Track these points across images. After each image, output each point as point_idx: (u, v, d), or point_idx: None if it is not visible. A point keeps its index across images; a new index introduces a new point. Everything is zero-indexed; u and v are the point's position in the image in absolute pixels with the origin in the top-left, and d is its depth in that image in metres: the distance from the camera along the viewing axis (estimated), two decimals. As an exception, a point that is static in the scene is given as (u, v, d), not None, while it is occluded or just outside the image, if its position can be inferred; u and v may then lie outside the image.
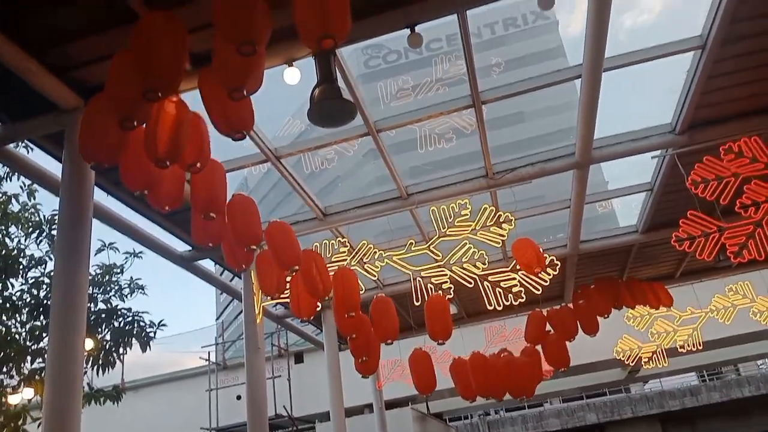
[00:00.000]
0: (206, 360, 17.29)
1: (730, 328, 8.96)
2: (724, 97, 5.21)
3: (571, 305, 7.37)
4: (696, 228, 5.28)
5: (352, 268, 5.58)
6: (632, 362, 9.43)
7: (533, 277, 5.95)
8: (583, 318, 7.12)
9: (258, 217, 3.94)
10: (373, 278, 6.75)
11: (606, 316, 7.18)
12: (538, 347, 7.07)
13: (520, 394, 6.85)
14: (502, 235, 5.67)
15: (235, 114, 2.96)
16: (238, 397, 15.48)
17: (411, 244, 5.96)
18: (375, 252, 5.90)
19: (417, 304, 6.08)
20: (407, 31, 3.65)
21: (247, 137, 4.68)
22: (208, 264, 6.71)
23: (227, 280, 7.47)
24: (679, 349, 8.99)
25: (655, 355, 9.24)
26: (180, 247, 6.11)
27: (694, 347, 8.88)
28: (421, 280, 6.06)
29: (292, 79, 3.66)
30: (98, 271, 7.76)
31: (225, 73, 2.75)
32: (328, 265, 5.49)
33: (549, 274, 5.97)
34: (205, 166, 3.29)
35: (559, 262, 6.12)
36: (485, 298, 6.02)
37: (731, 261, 5.32)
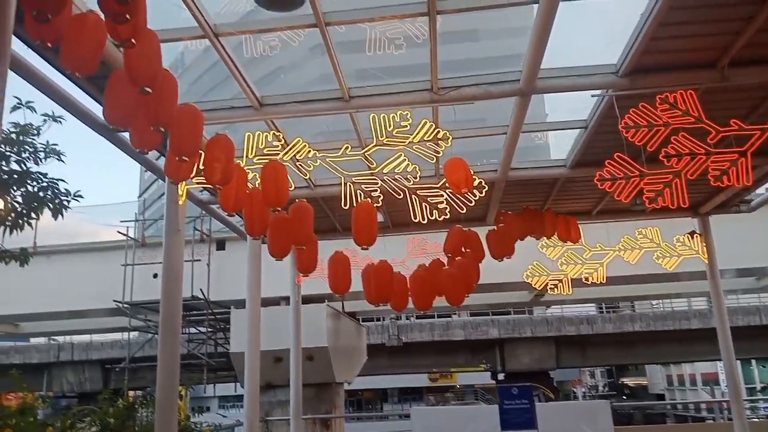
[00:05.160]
0: (124, 235, 17.03)
1: (633, 268, 9.53)
2: (670, 46, 5.28)
3: (493, 228, 7.66)
4: (619, 170, 5.47)
5: (284, 164, 5.50)
6: (539, 287, 9.98)
7: (460, 197, 6.08)
8: (500, 241, 7.42)
9: (175, 96, 3.77)
10: (304, 177, 6.70)
11: (521, 239, 7.52)
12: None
13: (425, 305, 7.10)
14: (438, 152, 5.70)
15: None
16: (155, 275, 15.51)
17: (347, 148, 5.90)
18: (309, 151, 5.82)
19: (345, 208, 6.12)
20: None
21: (185, 7, 4.39)
22: (133, 138, 6.43)
23: (153, 156, 7.21)
24: (583, 280, 9.53)
25: (560, 283, 9.78)
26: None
27: (597, 281, 9.45)
28: (352, 185, 6.06)
29: (240, -48, 3.39)
30: (12, 130, 7.29)
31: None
32: (258, 158, 5.41)
33: (475, 196, 6.11)
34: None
35: (486, 186, 6.25)
36: (411, 211, 6.12)
37: (646, 206, 5.57)
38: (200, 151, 4.78)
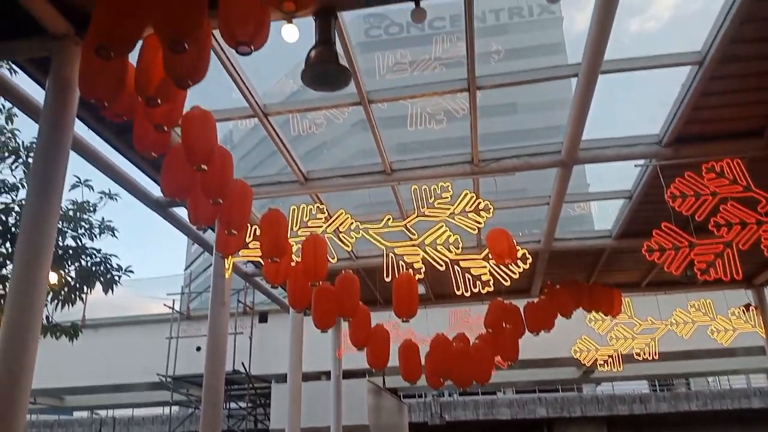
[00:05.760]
0: (170, 308, 17.25)
1: (686, 343, 9.15)
2: (713, 115, 5.26)
3: (535, 300, 7.49)
4: (668, 240, 5.35)
5: (326, 236, 5.58)
6: (588, 363, 9.61)
7: (503, 268, 6.01)
8: (537, 314, 7.24)
9: (231, 171, 3.91)
10: (347, 249, 6.75)
11: (568, 316, 7.31)
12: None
13: (467, 383, 6.93)
14: (479, 223, 5.69)
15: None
16: (198, 349, 15.52)
17: (388, 219, 5.95)
18: (352, 223, 5.89)
19: (387, 280, 6.11)
20: (412, 5, 3.60)
21: (237, 89, 4.63)
22: (183, 212, 6.65)
23: (201, 231, 7.42)
24: (635, 356, 9.16)
25: (610, 359, 9.42)
26: (157, 191, 6.03)
27: (649, 356, 9.07)
28: (393, 256, 6.07)
29: (290, 36, 3.58)
30: (70, 207, 7.65)
31: (232, 25, 2.65)
32: (302, 230, 5.51)
33: (519, 267, 6.03)
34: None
35: (530, 257, 6.18)
36: (454, 283, 6.06)
37: (697, 277, 5.39)
38: (248, 225, 4.91)
